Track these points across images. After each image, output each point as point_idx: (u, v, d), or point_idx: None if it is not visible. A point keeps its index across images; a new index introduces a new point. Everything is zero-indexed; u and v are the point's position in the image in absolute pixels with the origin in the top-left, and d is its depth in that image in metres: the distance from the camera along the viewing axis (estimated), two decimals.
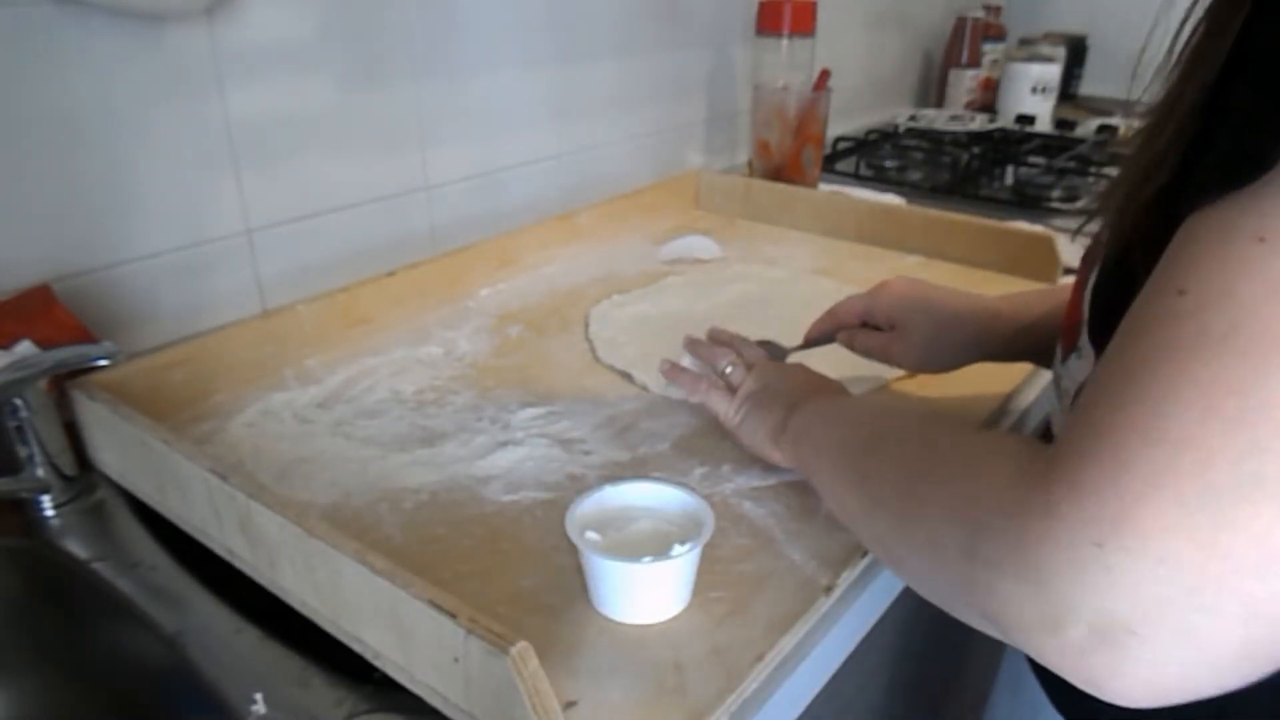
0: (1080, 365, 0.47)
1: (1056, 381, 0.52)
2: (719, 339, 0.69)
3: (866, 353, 0.69)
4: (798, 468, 0.56)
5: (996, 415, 0.69)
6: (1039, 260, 0.95)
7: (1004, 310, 0.65)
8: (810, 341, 0.72)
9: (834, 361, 0.68)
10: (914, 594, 0.62)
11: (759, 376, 0.62)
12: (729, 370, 0.64)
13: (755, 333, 0.72)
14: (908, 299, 0.67)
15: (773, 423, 0.57)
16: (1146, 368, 0.32)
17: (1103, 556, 0.30)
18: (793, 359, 0.70)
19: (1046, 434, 0.61)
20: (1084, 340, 0.47)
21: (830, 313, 0.71)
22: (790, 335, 0.77)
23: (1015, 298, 0.67)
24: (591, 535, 0.48)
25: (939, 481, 0.39)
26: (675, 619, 0.48)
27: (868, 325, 0.69)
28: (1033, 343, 0.64)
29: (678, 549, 0.46)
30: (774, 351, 0.73)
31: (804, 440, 0.54)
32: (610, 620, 0.47)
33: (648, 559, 0.46)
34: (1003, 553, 0.33)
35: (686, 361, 0.68)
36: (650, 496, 0.51)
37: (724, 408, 0.62)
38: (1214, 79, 0.36)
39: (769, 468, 0.61)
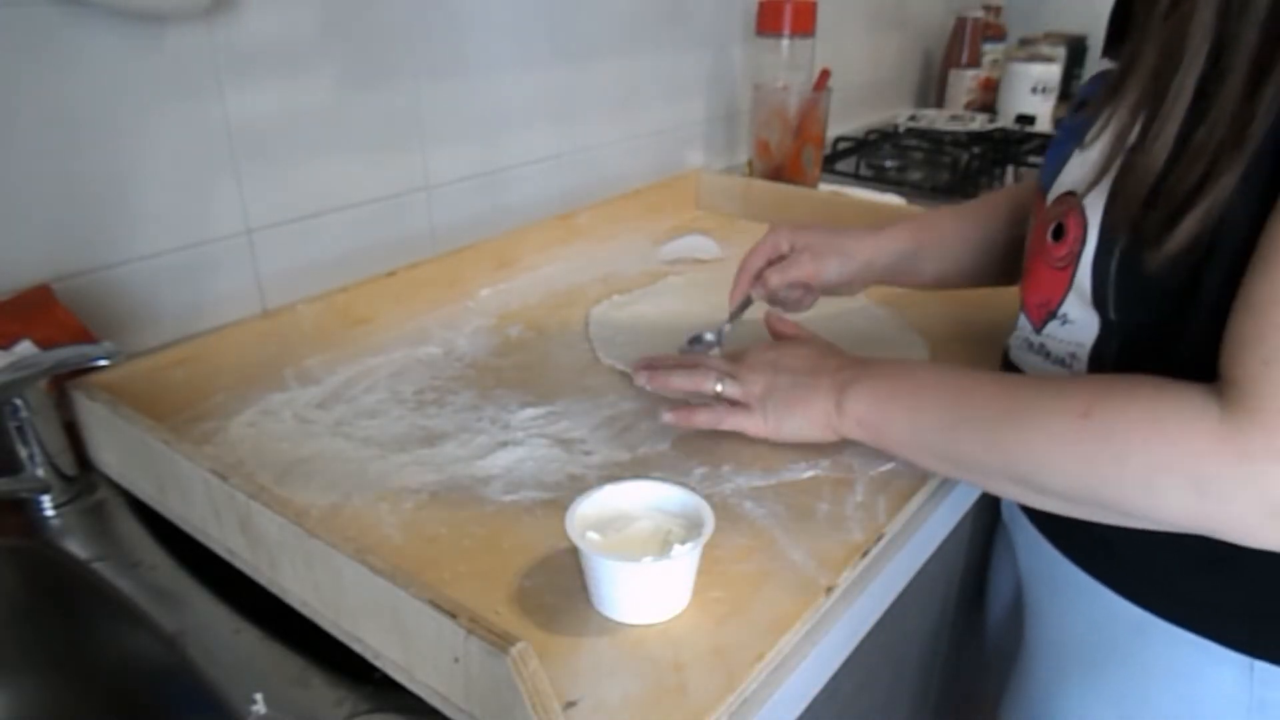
0: (1073, 328, 0.56)
1: (1033, 347, 0.61)
2: (670, 364, 0.67)
3: (786, 285, 0.74)
4: (872, 443, 0.58)
5: None
6: None
7: (864, 243, 0.75)
8: (734, 312, 0.76)
9: None
10: (914, 594, 0.62)
11: (754, 378, 0.62)
12: (720, 388, 0.63)
13: (752, 333, 0.72)
14: (802, 226, 0.76)
15: (820, 414, 0.59)
16: None
17: None
18: (726, 333, 0.76)
19: None
20: (1070, 309, 0.56)
21: (740, 271, 0.76)
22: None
23: (878, 232, 0.76)
24: (592, 535, 0.48)
25: (1118, 434, 0.45)
26: (675, 619, 0.48)
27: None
28: (892, 273, 0.77)
29: (677, 549, 0.46)
30: (701, 345, 0.76)
31: (883, 421, 0.57)
32: (610, 620, 0.47)
33: (648, 559, 0.46)
34: (1233, 490, 0.43)
35: (641, 380, 0.67)
36: (650, 496, 0.51)
37: (749, 424, 0.61)
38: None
39: (769, 468, 0.61)
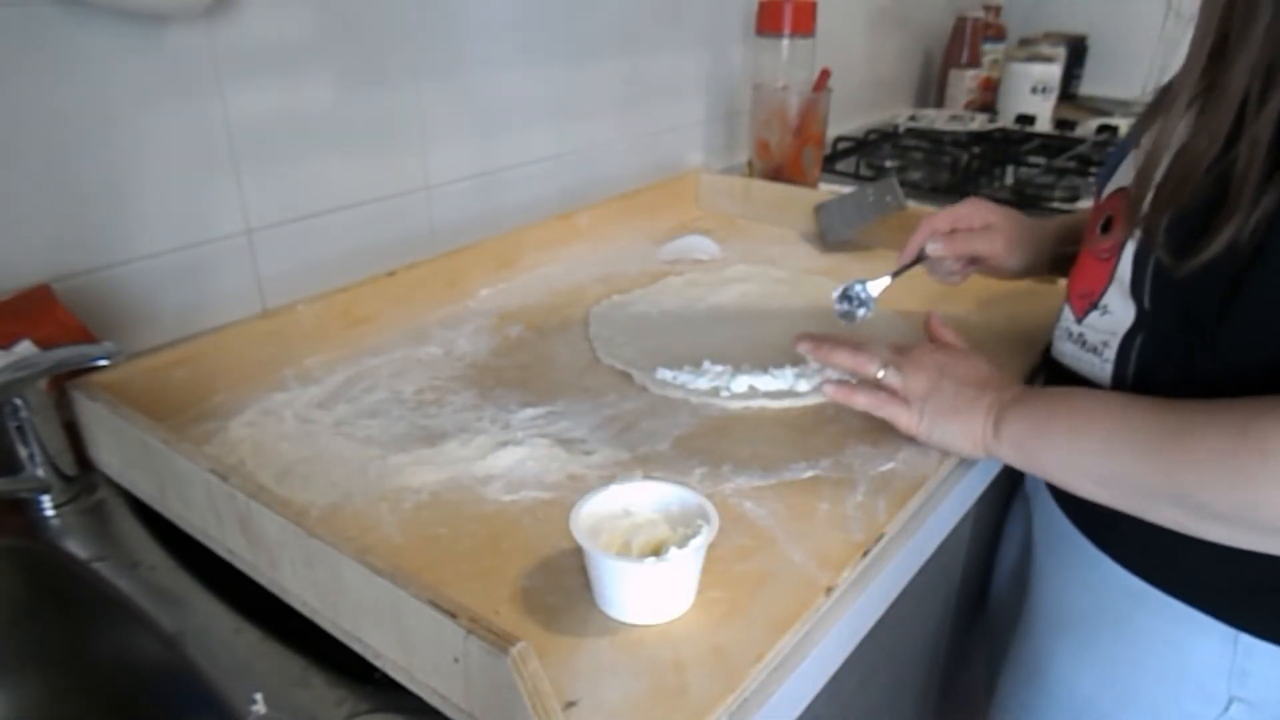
0: (1111, 318, 0.58)
1: (1072, 336, 0.63)
2: (835, 340, 0.66)
3: (961, 253, 0.75)
4: (1023, 465, 0.58)
5: None
6: None
7: (1066, 224, 0.77)
8: (903, 265, 0.77)
9: None
10: (914, 594, 0.62)
11: (918, 378, 0.62)
12: (882, 375, 0.63)
13: (752, 333, 0.72)
14: (994, 206, 0.76)
15: (976, 428, 0.59)
16: None
17: None
18: (886, 285, 0.76)
19: (1054, 375, 0.66)
20: (1110, 299, 0.58)
21: (921, 225, 0.76)
22: (788, 338, 0.77)
23: (1056, 224, 0.78)
24: (596, 535, 0.48)
25: (1274, 451, 0.45)
26: (676, 619, 0.48)
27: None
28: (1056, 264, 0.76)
29: (674, 551, 0.46)
30: (851, 301, 0.78)
31: (1038, 444, 0.56)
32: (611, 620, 0.47)
33: (650, 560, 0.46)
34: None
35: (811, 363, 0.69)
36: (654, 496, 0.51)
37: (904, 417, 0.62)
38: None
39: (769, 468, 0.61)
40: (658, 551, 0.47)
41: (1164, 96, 0.52)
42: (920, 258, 0.77)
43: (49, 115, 0.65)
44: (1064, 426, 0.55)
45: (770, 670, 0.46)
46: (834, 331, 0.70)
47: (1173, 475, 0.49)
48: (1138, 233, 0.54)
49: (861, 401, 0.63)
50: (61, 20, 0.64)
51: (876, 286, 0.77)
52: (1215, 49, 0.48)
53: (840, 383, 0.64)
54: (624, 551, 0.48)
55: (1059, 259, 0.76)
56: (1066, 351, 0.64)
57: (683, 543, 0.47)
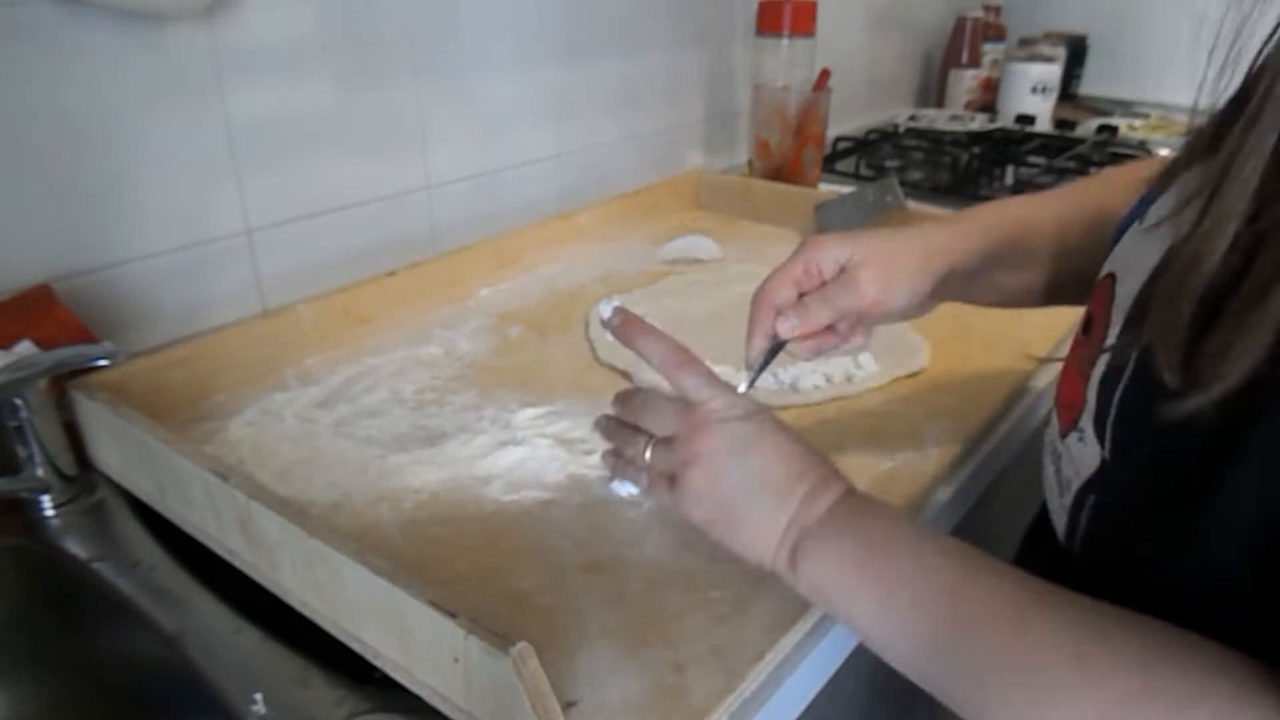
0: (1083, 451, 0.43)
1: (1052, 454, 0.48)
2: (634, 400, 0.51)
3: (818, 324, 0.53)
4: (818, 603, 0.45)
5: (995, 419, 0.69)
6: None
7: (939, 247, 0.54)
8: (758, 368, 0.55)
9: None
10: None
11: (701, 461, 0.45)
12: (649, 457, 0.49)
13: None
14: (842, 238, 0.53)
15: (766, 552, 0.45)
16: None
17: None
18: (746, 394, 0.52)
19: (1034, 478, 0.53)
20: (1086, 423, 0.42)
21: (757, 305, 0.54)
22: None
23: (948, 229, 0.55)
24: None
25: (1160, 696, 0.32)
26: (676, 619, 0.48)
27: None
28: (966, 286, 0.56)
29: None
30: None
31: (844, 596, 0.43)
32: (611, 620, 0.47)
33: None
34: None
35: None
36: None
37: (679, 513, 0.47)
38: None
39: None
40: None
41: (1174, 159, 0.38)
42: (776, 348, 0.54)
43: (49, 115, 0.65)
44: (874, 586, 0.41)
45: (770, 670, 0.46)
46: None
47: (965, 684, 0.38)
48: (1111, 341, 0.40)
49: (623, 491, 0.54)
50: (61, 20, 0.64)
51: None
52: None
53: (613, 460, 0.53)
54: None
55: (975, 275, 0.55)
56: (1047, 472, 0.49)
57: None
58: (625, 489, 0.56)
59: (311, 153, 0.82)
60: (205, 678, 0.47)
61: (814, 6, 1.21)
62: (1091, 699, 0.33)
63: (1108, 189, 0.57)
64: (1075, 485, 0.44)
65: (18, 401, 0.57)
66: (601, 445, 0.55)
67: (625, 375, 0.74)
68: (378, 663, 0.45)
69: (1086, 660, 0.34)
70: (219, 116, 0.75)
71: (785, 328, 0.53)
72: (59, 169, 0.66)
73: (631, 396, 0.51)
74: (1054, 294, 0.59)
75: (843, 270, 0.53)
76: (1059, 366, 0.50)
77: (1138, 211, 0.45)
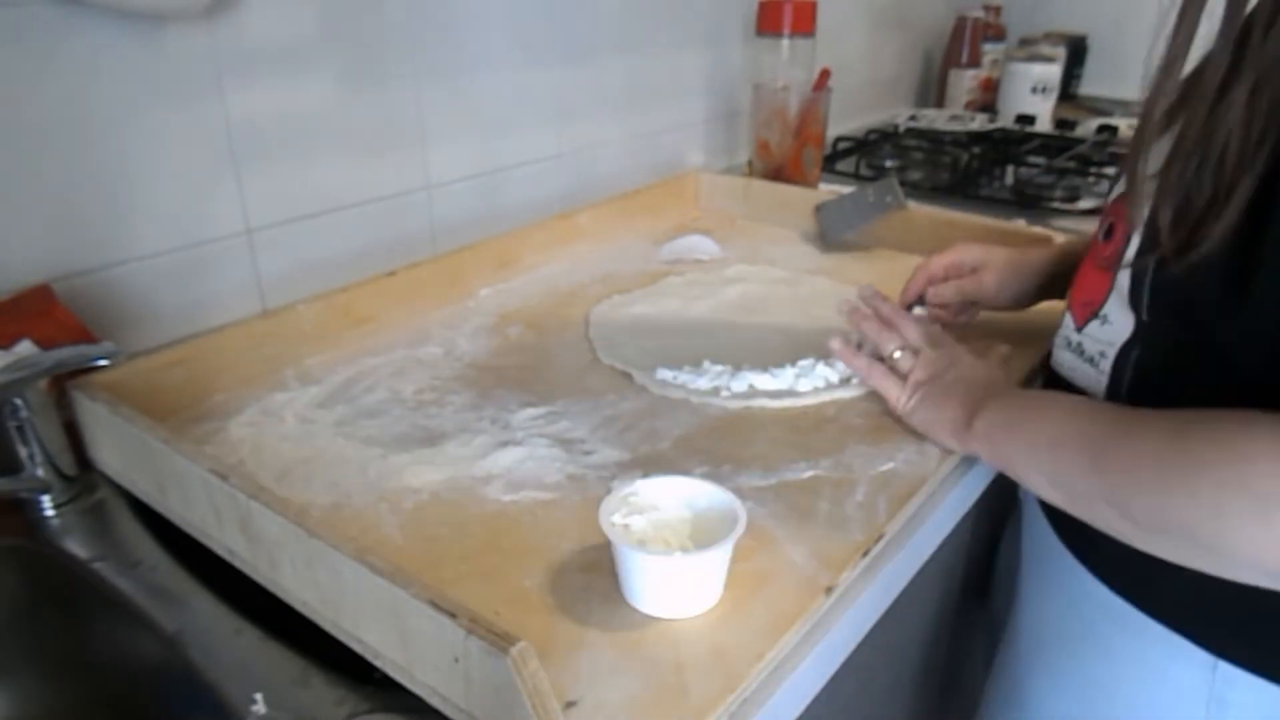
0: (1109, 329, 0.58)
1: (1070, 345, 0.62)
2: (881, 313, 0.71)
3: (956, 294, 0.78)
4: (990, 458, 0.59)
5: None
6: None
7: (1039, 263, 0.77)
8: (907, 306, 0.79)
9: None
10: (914, 594, 0.62)
11: (926, 365, 0.65)
12: (896, 356, 0.67)
13: (752, 333, 0.72)
14: (982, 247, 0.79)
15: (952, 417, 0.61)
16: None
17: None
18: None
19: (1052, 384, 0.66)
20: (1110, 309, 0.58)
21: (918, 271, 0.79)
22: (788, 338, 0.77)
23: (1053, 251, 0.78)
24: (624, 525, 0.49)
25: (1193, 453, 0.44)
26: (676, 619, 0.48)
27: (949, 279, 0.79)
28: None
29: (693, 551, 0.46)
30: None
31: (1004, 437, 0.57)
32: (611, 620, 0.47)
33: (679, 553, 0.46)
34: None
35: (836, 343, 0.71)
36: (682, 492, 0.51)
37: (892, 394, 0.65)
38: None
39: (769, 467, 0.61)
40: (685, 546, 0.48)
41: (1188, 90, 0.50)
42: (920, 302, 0.80)
43: (49, 115, 0.65)
44: (1029, 424, 0.56)
45: (770, 670, 0.46)
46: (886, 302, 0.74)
47: (1102, 476, 0.49)
48: (1136, 239, 0.53)
49: (858, 365, 0.67)
50: (61, 20, 0.64)
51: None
52: (1238, 43, 0.46)
53: (848, 345, 0.68)
54: (649, 545, 0.48)
55: (1054, 284, 0.76)
56: (1065, 361, 0.63)
57: (710, 537, 0.47)
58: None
59: (311, 153, 0.82)
60: (205, 678, 0.47)
61: (814, 6, 1.21)
62: (1157, 434, 0.47)
63: None
64: (1112, 352, 0.57)
65: (18, 401, 0.57)
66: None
67: (625, 375, 0.74)
68: (378, 663, 0.45)
69: (1160, 419, 0.47)
70: (219, 116, 0.75)
71: (934, 292, 0.79)
72: (59, 169, 0.66)
73: (896, 316, 0.70)
74: None
75: (974, 270, 0.78)
76: (1059, 364, 0.64)
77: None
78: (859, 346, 0.70)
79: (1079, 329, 0.61)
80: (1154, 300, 0.53)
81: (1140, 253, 0.53)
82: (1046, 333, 0.70)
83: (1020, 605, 0.70)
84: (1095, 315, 0.59)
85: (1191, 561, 0.47)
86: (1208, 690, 0.55)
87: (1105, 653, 0.60)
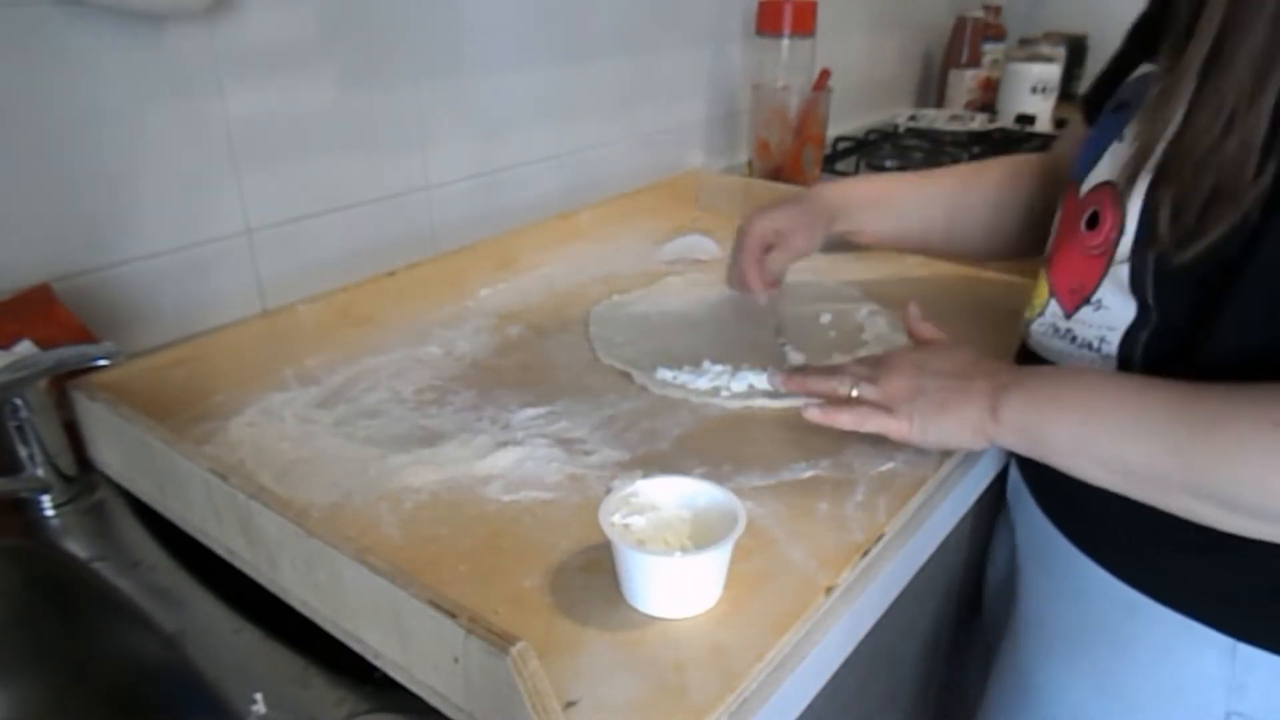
0: (1105, 314, 0.57)
1: (1059, 332, 0.61)
2: (807, 372, 0.66)
3: (781, 265, 0.81)
4: (1026, 449, 0.56)
5: None
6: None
7: (821, 210, 0.82)
8: (780, 326, 0.81)
9: None
10: (914, 594, 0.62)
11: (892, 383, 0.60)
12: (855, 393, 0.61)
13: (752, 333, 0.72)
14: (767, 209, 0.81)
15: (972, 418, 0.57)
16: None
17: None
18: (786, 352, 0.76)
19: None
20: (1105, 295, 0.57)
21: (747, 260, 0.80)
22: (788, 338, 0.77)
23: (831, 190, 0.84)
24: (623, 524, 0.49)
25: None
26: (676, 619, 0.48)
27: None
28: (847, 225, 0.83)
29: (687, 549, 0.46)
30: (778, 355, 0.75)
31: (1042, 423, 0.54)
32: (610, 620, 0.47)
33: (679, 553, 0.46)
34: None
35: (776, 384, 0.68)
36: (682, 492, 0.51)
37: (893, 426, 0.59)
38: None
39: (769, 467, 0.61)
40: (685, 545, 0.48)
41: (1153, 87, 0.52)
42: (775, 298, 0.83)
43: (49, 115, 0.65)
44: (1071, 409, 0.53)
45: (770, 670, 0.46)
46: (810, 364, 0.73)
47: (1195, 466, 0.47)
48: (1132, 227, 0.53)
49: (844, 421, 0.60)
50: (61, 20, 0.64)
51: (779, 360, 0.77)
52: (1217, 38, 0.47)
53: (824, 406, 0.61)
54: (650, 544, 0.48)
55: (841, 220, 0.82)
56: (1054, 348, 0.62)
57: (709, 537, 0.47)
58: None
59: (311, 153, 0.82)
60: (205, 678, 0.47)
61: (814, 6, 1.21)
62: (1257, 420, 0.46)
63: (991, 166, 0.83)
64: (1116, 337, 0.56)
65: (18, 401, 0.57)
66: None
67: (625, 375, 0.74)
68: (378, 663, 0.45)
69: (1251, 403, 0.46)
70: (219, 116, 0.75)
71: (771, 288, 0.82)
72: (59, 169, 0.66)
73: (834, 364, 0.67)
74: (951, 244, 0.84)
75: (779, 236, 0.81)
76: (1046, 352, 0.64)
77: (1100, 138, 0.60)
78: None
79: (1069, 315, 0.60)
80: (1160, 286, 0.53)
81: (1137, 244, 0.53)
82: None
83: (1021, 604, 0.69)
84: (1087, 301, 0.58)
85: None
86: (1228, 676, 0.55)
87: (1119, 644, 0.60)
